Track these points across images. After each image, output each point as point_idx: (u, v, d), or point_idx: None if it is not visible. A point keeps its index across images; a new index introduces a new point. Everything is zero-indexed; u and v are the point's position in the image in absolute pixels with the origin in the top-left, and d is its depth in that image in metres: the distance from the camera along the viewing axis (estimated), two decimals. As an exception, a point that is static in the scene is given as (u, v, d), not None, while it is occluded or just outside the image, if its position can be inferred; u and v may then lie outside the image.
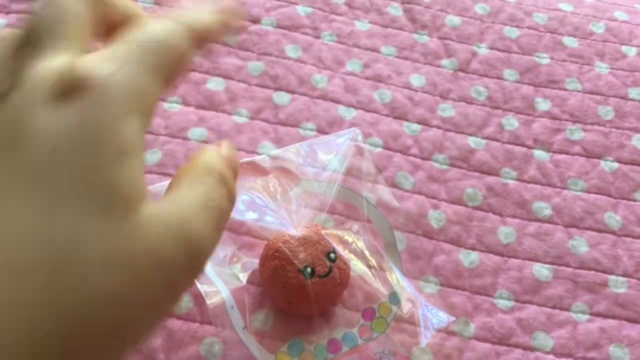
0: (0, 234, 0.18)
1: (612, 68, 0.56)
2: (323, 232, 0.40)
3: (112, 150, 0.19)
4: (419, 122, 0.51)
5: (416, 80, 0.53)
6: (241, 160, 0.43)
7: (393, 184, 0.47)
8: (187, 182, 0.22)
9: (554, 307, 0.43)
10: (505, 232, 0.46)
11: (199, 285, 0.37)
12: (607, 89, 0.54)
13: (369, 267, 0.42)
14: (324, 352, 0.39)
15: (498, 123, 0.51)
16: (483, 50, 0.55)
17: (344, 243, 0.42)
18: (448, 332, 0.42)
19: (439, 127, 0.51)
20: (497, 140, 0.50)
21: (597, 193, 0.48)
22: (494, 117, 0.52)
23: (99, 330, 0.18)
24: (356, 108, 0.51)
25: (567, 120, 0.52)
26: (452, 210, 0.47)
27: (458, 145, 0.50)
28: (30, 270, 0.17)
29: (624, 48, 0.57)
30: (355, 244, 0.42)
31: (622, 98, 0.54)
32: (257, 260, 0.41)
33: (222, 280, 0.39)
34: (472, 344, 0.42)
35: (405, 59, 0.54)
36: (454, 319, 0.41)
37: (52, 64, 0.20)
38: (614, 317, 0.43)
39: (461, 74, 0.54)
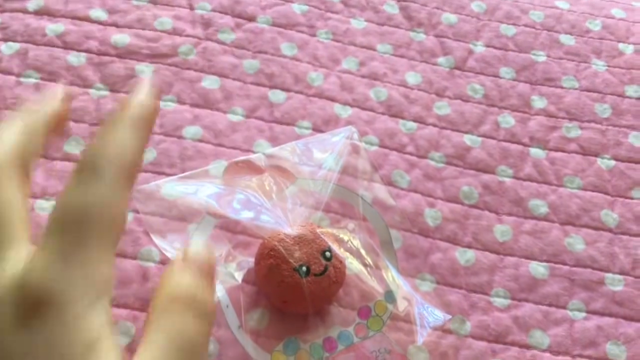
0: None
1: (609, 66, 0.55)
2: (318, 230, 0.40)
3: (79, 350, 0.19)
4: (414, 120, 0.50)
5: (412, 78, 0.53)
6: (236, 159, 0.43)
7: (389, 182, 0.47)
8: (154, 323, 0.22)
9: (550, 305, 0.43)
10: (502, 230, 0.46)
11: None
12: (604, 87, 0.54)
13: (365, 265, 0.42)
14: (320, 350, 0.39)
15: (494, 121, 0.51)
16: (479, 48, 0.55)
17: (340, 241, 0.42)
18: (444, 330, 0.41)
19: (434, 125, 0.50)
20: (493, 138, 0.50)
21: (593, 191, 0.48)
22: (490, 115, 0.51)
23: None
24: (352, 106, 0.51)
25: (563, 118, 0.52)
26: (448, 208, 0.46)
27: (454, 143, 0.50)
28: None
29: (620, 45, 0.57)
30: (351, 242, 0.42)
31: (619, 96, 0.54)
32: (252, 259, 0.41)
33: (217, 279, 0.39)
34: (468, 342, 0.41)
35: (401, 56, 0.54)
36: (450, 317, 0.41)
37: (6, 273, 0.20)
38: (610, 315, 0.43)
39: (457, 72, 0.54)
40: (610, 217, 0.47)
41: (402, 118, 0.51)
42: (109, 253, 0.21)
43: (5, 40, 0.50)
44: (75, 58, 0.50)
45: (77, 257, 0.20)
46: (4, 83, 0.48)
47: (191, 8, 0.54)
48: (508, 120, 0.51)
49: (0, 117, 0.46)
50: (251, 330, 0.40)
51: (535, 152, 0.50)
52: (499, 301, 0.43)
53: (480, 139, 0.50)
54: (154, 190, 0.40)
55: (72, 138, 0.46)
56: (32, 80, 0.48)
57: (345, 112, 0.50)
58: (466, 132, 0.50)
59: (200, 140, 0.47)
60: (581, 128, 0.51)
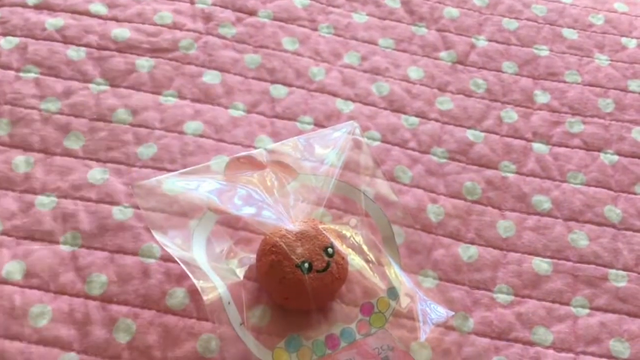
0: None
1: (611, 60, 0.55)
2: (320, 226, 0.40)
3: None
4: (417, 115, 0.50)
5: (414, 73, 0.53)
6: (238, 155, 0.42)
7: (391, 178, 0.47)
8: None
9: (553, 302, 0.43)
10: (505, 226, 0.46)
11: (195, 281, 0.37)
12: (607, 81, 0.54)
13: (367, 261, 0.41)
14: (322, 347, 0.38)
15: (497, 116, 0.51)
16: (481, 43, 0.55)
17: (342, 237, 0.41)
18: (447, 327, 0.41)
19: (437, 120, 0.50)
20: (496, 133, 0.50)
21: (596, 186, 0.48)
22: (492, 110, 0.51)
23: None
24: (354, 101, 0.50)
25: (566, 112, 0.52)
26: (451, 204, 0.46)
27: (457, 139, 0.49)
28: None
29: (623, 40, 0.57)
30: (353, 238, 0.42)
31: (622, 90, 0.53)
32: (253, 256, 0.41)
33: (218, 275, 0.38)
34: (471, 338, 0.41)
35: (403, 51, 0.54)
36: (453, 313, 0.41)
37: None
38: (614, 312, 0.43)
39: (459, 67, 0.53)
40: (613, 212, 0.47)
41: (404, 113, 0.50)
42: None
43: (5, 34, 0.50)
44: (75, 52, 0.49)
45: None
46: (3, 78, 0.47)
47: (192, 2, 0.54)
48: (511, 115, 0.51)
49: (0, 112, 0.46)
50: (253, 327, 0.40)
51: (539, 147, 0.50)
52: (502, 297, 0.43)
53: (483, 134, 0.50)
54: (155, 186, 0.40)
55: (71, 133, 0.46)
56: (32, 75, 0.48)
57: (347, 107, 0.50)
58: (469, 127, 0.50)
59: (201, 136, 0.47)
60: (584, 123, 0.51)
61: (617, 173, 0.49)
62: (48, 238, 0.42)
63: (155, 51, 0.50)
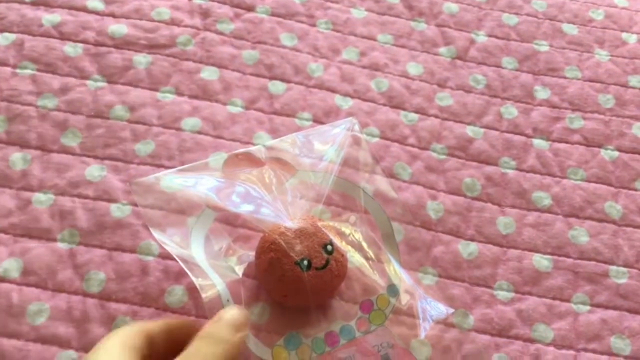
0: None
1: (612, 55, 0.55)
2: (319, 224, 0.40)
3: None
4: (416, 112, 0.50)
5: (413, 69, 0.52)
6: (236, 152, 0.42)
7: (391, 175, 0.46)
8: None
9: (554, 298, 0.43)
10: (505, 223, 0.45)
11: (194, 279, 0.37)
12: (607, 77, 0.53)
13: (367, 258, 0.41)
14: (322, 345, 0.38)
15: (497, 112, 0.50)
16: (481, 38, 0.55)
17: (341, 235, 0.41)
18: (447, 324, 0.41)
19: (436, 117, 0.50)
20: (496, 129, 0.50)
21: (597, 182, 0.48)
22: (492, 106, 0.51)
23: None
24: (352, 97, 0.50)
25: (566, 108, 0.51)
26: (451, 200, 0.46)
27: (456, 135, 0.49)
28: None
29: (624, 35, 0.56)
30: (353, 235, 0.42)
31: (623, 86, 0.53)
32: (252, 253, 0.40)
33: (217, 273, 0.38)
34: (471, 335, 0.41)
35: (402, 47, 0.54)
36: (453, 310, 0.41)
37: None
38: (615, 308, 0.43)
39: (459, 62, 0.53)
40: (614, 208, 0.47)
41: (404, 109, 0.50)
42: None
43: (1, 31, 0.49)
44: (72, 49, 0.49)
45: None
46: (0, 74, 0.47)
47: (189, -2, 0.53)
48: (511, 111, 0.51)
49: (-4, 109, 0.46)
50: (252, 325, 0.39)
51: (539, 143, 0.49)
52: (502, 294, 0.43)
53: (482, 130, 0.49)
54: (153, 183, 0.40)
55: (69, 130, 0.45)
56: (28, 72, 0.48)
57: (346, 103, 0.49)
58: (468, 124, 0.50)
59: (199, 132, 0.47)
60: (584, 119, 0.51)
61: (617, 169, 0.48)
62: (45, 235, 0.41)
63: (152, 47, 0.50)
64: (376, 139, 0.48)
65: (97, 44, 0.50)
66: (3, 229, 0.41)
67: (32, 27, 0.50)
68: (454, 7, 0.56)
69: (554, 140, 0.49)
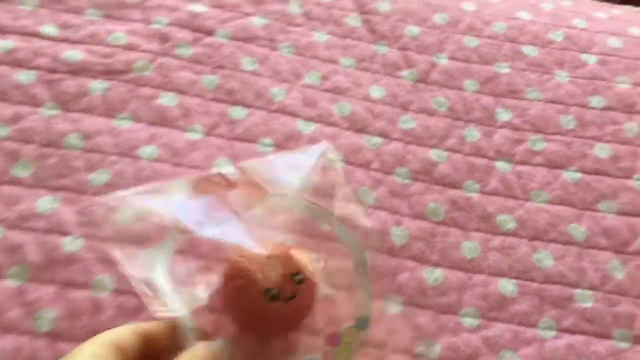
0: None
1: (572, 76, 0.55)
2: (292, 251, 0.39)
3: None
4: (379, 135, 0.49)
5: (376, 92, 0.52)
6: (207, 173, 0.40)
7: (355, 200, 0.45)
8: None
9: (520, 324, 0.42)
10: (469, 247, 0.45)
11: (156, 307, 0.35)
12: (568, 98, 0.54)
13: (337, 288, 0.40)
14: (284, 380, 0.37)
15: (459, 135, 0.50)
16: (443, 61, 0.54)
17: (311, 262, 0.40)
18: (414, 354, 0.40)
19: (400, 140, 0.49)
20: (459, 152, 0.49)
21: (560, 204, 0.48)
22: (455, 129, 0.51)
23: None
24: (315, 122, 0.49)
25: (528, 130, 0.51)
26: (415, 226, 0.45)
27: (420, 159, 0.48)
28: None
29: (583, 56, 0.57)
30: (323, 263, 0.40)
31: (583, 107, 0.53)
32: (219, 279, 0.39)
33: (181, 299, 0.36)
34: (438, 365, 0.40)
35: (365, 70, 0.53)
36: (420, 341, 0.40)
37: None
38: (581, 333, 0.42)
39: (421, 85, 0.53)
40: (578, 230, 0.46)
41: (367, 133, 0.49)
42: None
43: (-52, 58, 0.47)
44: (24, 76, 0.48)
45: None
46: (-53, 103, 0.45)
47: (147, 22, 0.52)
48: (473, 133, 0.50)
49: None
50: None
51: (502, 165, 0.49)
52: (468, 321, 0.42)
53: (446, 153, 0.49)
54: (116, 204, 0.38)
55: (20, 160, 0.44)
56: (-23, 100, 0.46)
57: (308, 127, 0.49)
58: (432, 147, 0.49)
59: (157, 160, 0.45)
60: (546, 140, 0.51)
61: (580, 190, 0.48)
62: (-7, 272, 0.39)
63: (108, 73, 0.49)
64: (340, 164, 0.47)
65: (51, 70, 0.48)
66: (-52, 266, 0.39)
67: (-18, 53, 0.48)
68: (416, 30, 0.56)
69: (516, 163, 0.49)
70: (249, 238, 0.38)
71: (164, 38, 0.51)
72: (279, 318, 0.37)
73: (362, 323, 0.39)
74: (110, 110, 0.47)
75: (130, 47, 0.50)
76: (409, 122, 0.50)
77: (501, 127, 0.51)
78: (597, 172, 0.50)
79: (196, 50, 0.51)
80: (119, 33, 0.51)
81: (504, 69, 0.55)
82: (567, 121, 0.52)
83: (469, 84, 0.53)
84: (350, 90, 0.52)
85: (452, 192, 0.47)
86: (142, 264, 0.36)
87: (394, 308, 0.42)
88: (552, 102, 0.53)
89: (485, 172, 0.48)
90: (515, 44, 0.57)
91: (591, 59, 0.57)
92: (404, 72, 0.53)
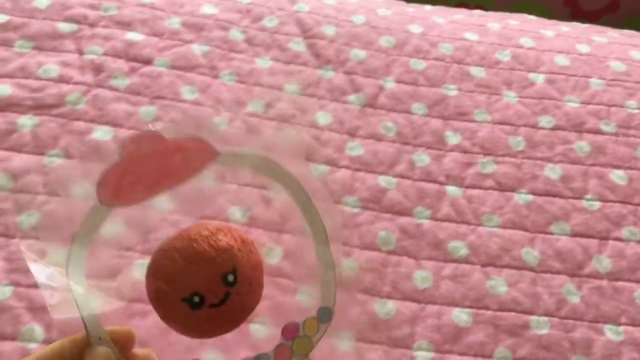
0: None
1: (520, 96, 0.55)
2: (230, 242, 0.33)
3: None
4: (326, 163, 0.48)
5: (322, 119, 0.50)
6: (137, 132, 0.34)
7: (302, 232, 0.44)
8: None
9: (475, 355, 0.41)
10: (422, 277, 0.43)
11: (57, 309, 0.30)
12: (517, 119, 0.53)
13: (295, 276, 0.36)
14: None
15: (409, 160, 0.49)
16: (390, 84, 0.53)
17: (260, 253, 0.34)
18: (365, 393, 0.38)
19: (348, 167, 0.48)
20: (409, 178, 0.48)
21: (512, 228, 0.47)
22: (404, 154, 0.49)
23: None
24: (259, 151, 0.47)
25: (477, 153, 0.50)
26: (366, 256, 0.44)
27: (368, 186, 0.47)
28: None
29: (531, 75, 0.56)
30: (274, 250, 0.36)
31: (532, 127, 0.53)
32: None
33: (102, 297, 0.31)
34: (392, 404, 0.38)
35: (311, 96, 0.52)
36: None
37: None
38: (537, 361, 0.41)
39: (369, 110, 0.52)
40: (531, 255, 0.45)
41: (313, 161, 0.48)
42: None
43: None
44: (-53, 113, 0.45)
45: None
46: None
47: (80, 53, 0.50)
48: (423, 158, 0.49)
49: None
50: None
51: (452, 190, 0.48)
52: (422, 355, 0.40)
53: (395, 179, 0.48)
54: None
55: (-59, 204, 0.41)
56: None
57: (253, 158, 0.47)
58: (381, 173, 0.48)
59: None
60: (496, 163, 0.50)
61: (532, 213, 0.48)
62: None
63: (39, 108, 0.46)
64: (285, 196, 0.45)
65: (-24, 106, 0.46)
66: None
67: None
68: (362, 53, 0.55)
69: (467, 187, 0.48)
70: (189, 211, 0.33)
71: (98, 69, 0.49)
72: (207, 324, 0.32)
73: (325, 315, 0.35)
74: (40, 147, 0.44)
75: (62, 80, 0.48)
76: (356, 148, 0.49)
77: (451, 150, 0.50)
78: (548, 194, 0.49)
79: (133, 80, 0.49)
80: (51, 65, 0.48)
81: (452, 91, 0.54)
82: (517, 142, 0.52)
83: (417, 107, 0.52)
84: (295, 117, 0.50)
85: (403, 220, 0.46)
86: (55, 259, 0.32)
87: (344, 344, 0.40)
88: (501, 123, 0.53)
89: (436, 198, 0.47)
90: (462, 65, 0.56)
91: (539, 78, 0.56)
92: (351, 97, 0.52)
